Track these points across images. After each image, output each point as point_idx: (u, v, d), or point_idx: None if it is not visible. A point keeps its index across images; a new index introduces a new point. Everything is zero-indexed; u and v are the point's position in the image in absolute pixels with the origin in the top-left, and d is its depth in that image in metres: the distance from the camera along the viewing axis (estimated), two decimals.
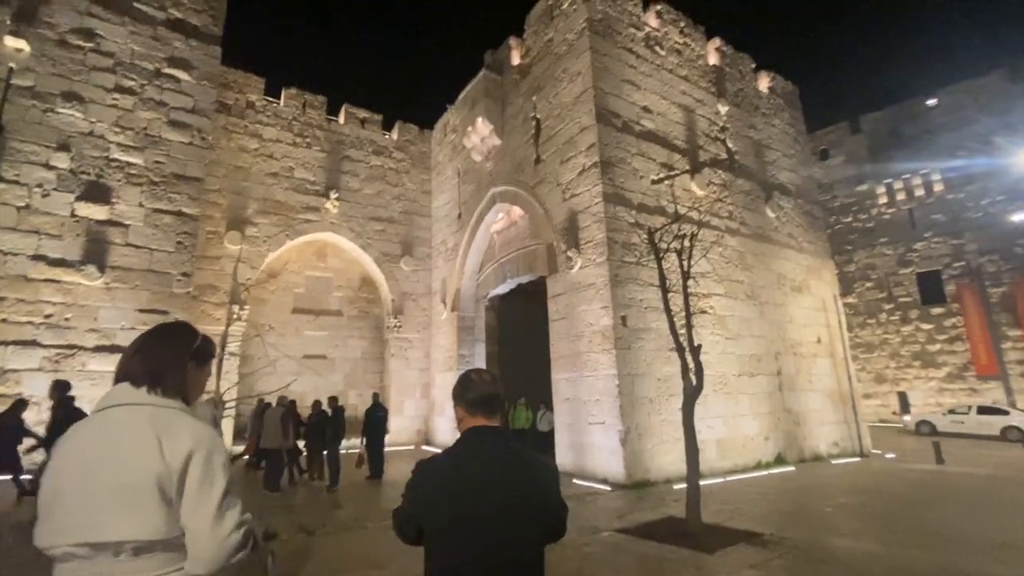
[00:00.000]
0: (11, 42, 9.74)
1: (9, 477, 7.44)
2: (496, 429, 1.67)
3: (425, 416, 15.62)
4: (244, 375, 13.21)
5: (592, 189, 9.88)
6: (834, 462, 11.82)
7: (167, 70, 11.58)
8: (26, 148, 9.76)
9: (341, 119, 16.18)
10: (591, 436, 9.23)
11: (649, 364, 9.38)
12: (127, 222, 10.58)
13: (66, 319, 9.65)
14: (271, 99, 14.95)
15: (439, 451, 1.76)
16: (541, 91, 11.82)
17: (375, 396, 10.98)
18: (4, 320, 9.10)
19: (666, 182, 10.78)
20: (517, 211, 13.34)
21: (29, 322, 9.30)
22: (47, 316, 9.49)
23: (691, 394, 6.17)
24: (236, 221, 13.56)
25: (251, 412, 11.37)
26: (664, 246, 6.91)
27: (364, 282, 16.16)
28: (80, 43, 10.63)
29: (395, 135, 17.19)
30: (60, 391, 7.03)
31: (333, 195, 15.17)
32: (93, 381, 9.70)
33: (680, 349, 6.43)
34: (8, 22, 9.81)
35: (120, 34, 11.11)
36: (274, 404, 8.76)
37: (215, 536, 1.20)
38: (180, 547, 1.21)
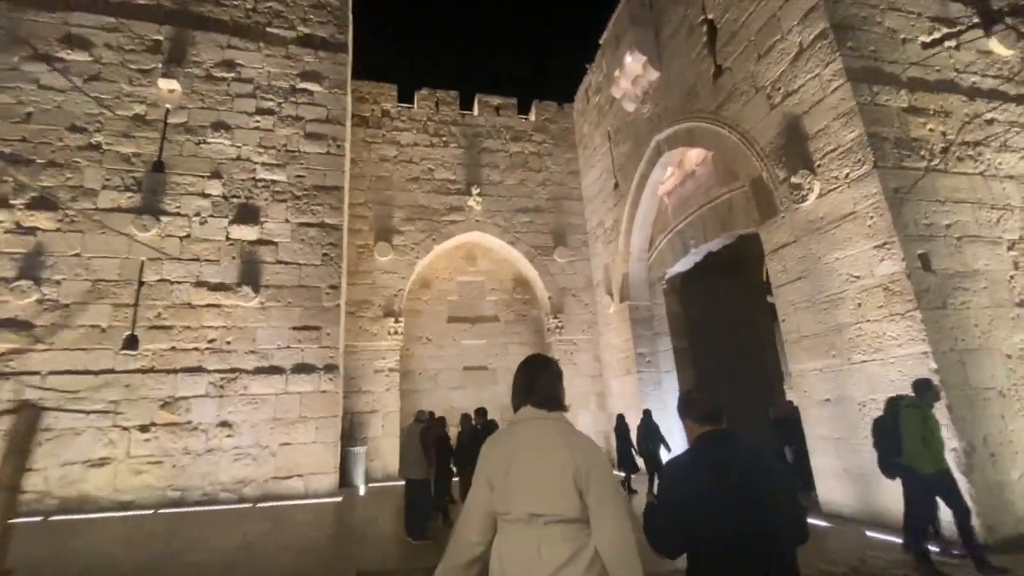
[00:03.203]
0: (164, 84, 10.17)
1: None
2: (728, 432, 1.84)
3: (605, 432, 12.98)
4: (405, 391, 12.25)
5: (823, 71, 6.42)
6: None
7: (300, 85, 11.34)
8: (184, 180, 10.00)
9: (475, 110, 14.92)
10: None
11: (985, 332, 5.46)
12: (276, 239, 10.26)
13: (227, 343, 9.44)
14: (405, 104, 14.31)
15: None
16: None
17: (620, 418, 9.72)
18: (174, 348, 9.13)
19: (946, 44, 6.72)
20: (693, 157, 10.19)
21: (195, 348, 9.23)
22: (210, 341, 9.36)
23: None
24: (384, 232, 12.90)
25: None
26: None
27: (517, 282, 14.39)
28: (223, 75, 10.84)
29: (532, 116, 15.36)
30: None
31: (475, 191, 13.79)
32: (255, 405, 9.27)
33: None
34: (160, 67, 10.32)
35: (256, 59, 11.16)
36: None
37: (618, 517, 1.58)
38: (586, 522, 1.60)
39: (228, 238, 9.98)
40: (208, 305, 9.52)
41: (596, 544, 1.57)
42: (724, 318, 12.38)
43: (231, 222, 10.07)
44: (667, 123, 10.18)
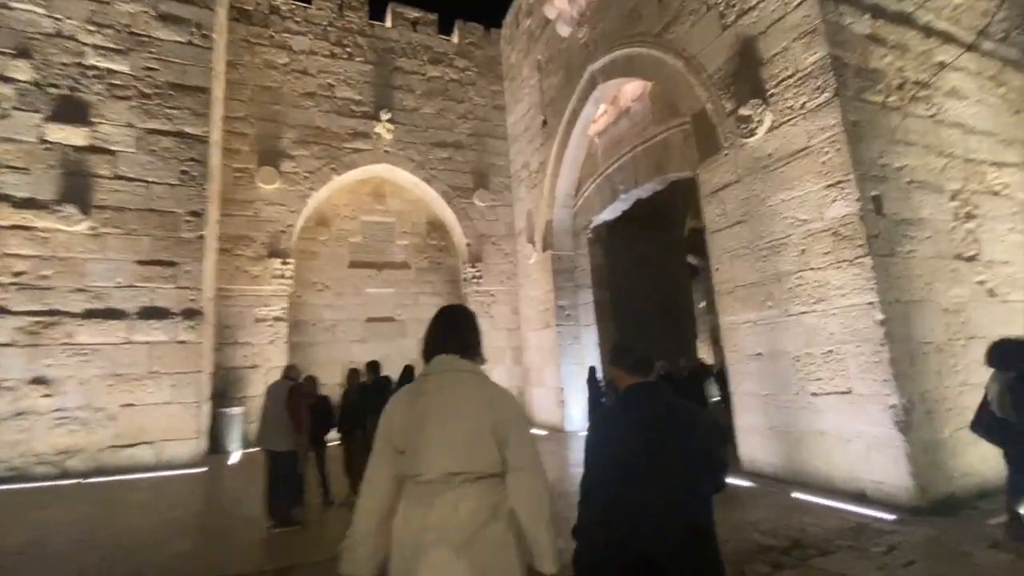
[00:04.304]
0: None
1: None
2: (654, 384, 1.84)
3: (519, 387, 12.33)
4: (295, 344, 10.62)
5: None
6: None
7: None
8: None
9: (388, 22, 12.82)
10: (819, 416, 5.25)
11: (928, 284, 5.13)
12: (114, 147, 7.99)
13: (43, 277, 7.27)
14: (299, 2, 11.88)
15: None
16: None
17: (591, 370, 9.20)
18: None
19: None
20: (628, 92, 9.25)
21: None
22: (17, 274, 7.14)
23: None
24: (269, 155, 10.77)
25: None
26: None
27: (432, 226, 12.96)
28: None
29: (455, 39, 13.55)
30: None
31: (384, 116, 11.95)
32: (85, 357, 7.30)
33: None
34: None
35: None
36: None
37: (535, 469, 1.55)
38: (502, 476, 1.54)
39: (43, 140, 7.58)
40: (13, 227, 7.22)
41: (511, 499, 1.53)
42: (645, 272, 11.99)
43: (47, 119, 7.64)
44: (604, 50, 9.07)
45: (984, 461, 4.84)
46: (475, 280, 12.45)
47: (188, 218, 8.23)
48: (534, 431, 7.96)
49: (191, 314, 7.98)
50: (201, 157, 8.50)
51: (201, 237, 8.28)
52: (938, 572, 3.16)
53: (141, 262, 7.81)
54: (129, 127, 8.11)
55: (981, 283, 5.51)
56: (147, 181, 8.08)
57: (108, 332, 7.48)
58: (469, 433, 1.51)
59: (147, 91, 8.32)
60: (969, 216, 5.68)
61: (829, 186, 5.17)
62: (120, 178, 7.94)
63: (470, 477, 1.50)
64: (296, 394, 4.69)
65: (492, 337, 12.30)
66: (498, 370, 12.15)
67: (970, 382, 5.04)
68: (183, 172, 8.32)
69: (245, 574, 3.53)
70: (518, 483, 1.51)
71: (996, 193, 6.01)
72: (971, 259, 5.51)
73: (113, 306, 7.56)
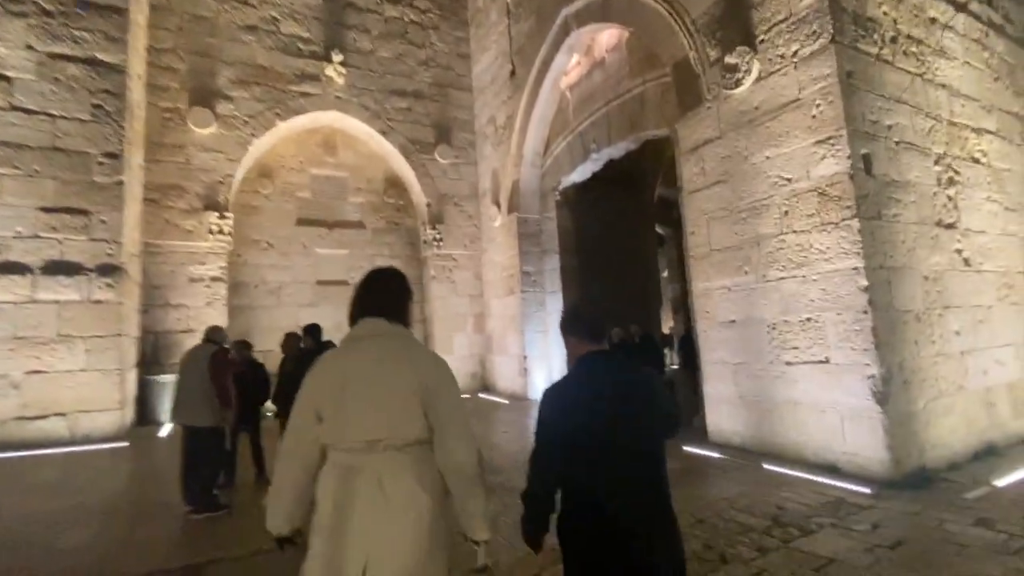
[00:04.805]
0: None
1: None
2: (607, 352, 1.77)
3: (481, 355, 11.92)
4: (236, 308, 9.76)
5: None
6: None
7: None
8: None
9: None
10: (793, 386, 5.04)
11: (911, 250, 4.90)
12: (8, 73, 6.78)
13: None
14: None
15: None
16: None
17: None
18: None
19: None
20: (603, 41, 8.61)
21: None
22: None
23: None
24: (203, 94, 9.57)
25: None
26: None
27: (390, 183, 12.09)
28: None
29: None
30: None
31: (336, 57, 10.84)
32: None
33: None
34: None
35: None
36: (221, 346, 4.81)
37: (464, 437, 1.49)
38: (429, 443, 1.49)
39: None
40: None
41: (439, 464, 1.50)
42: (613, 238, 11.63)
43: None
44: None
45: (954, 433, 4.79)
46: (436, 243, 11.76)
47: (102, 159, 7.15)
48: (495, 399, 7.49)
49: (108, 270, 7.03)
50: (117, 89, 7.35)
51: (119, 183, 7.24)
52: (928, 553, 2.95)
53: (45, 209, 6.76)
54: (28, 49, 6.88)
55: (959, 251, 5.36)
56: (51, 115, 6.93)
57: (7, 289, 6.48)
58: (393, 399, 1.46)
59: (49, 7, 7.04)
60: (951, 182, 5.49)
61: (818, 142, 4.80)
62: (17, 109, 6.76)
63: (394, 445, 1.45)
64: (220, 361, 4.04)
65: (453, 303, 11.76)
66: (458, 337, 11.68)
67: (945, 352, 4.93)
68: (95, 106, 7.18)
69: (144, 574, 2.96)
70: (445, 453, 1.48)
71: (976, 160, 5.84)
72: (950, 226, 5.34)
73: (12, 259, 6.53)
